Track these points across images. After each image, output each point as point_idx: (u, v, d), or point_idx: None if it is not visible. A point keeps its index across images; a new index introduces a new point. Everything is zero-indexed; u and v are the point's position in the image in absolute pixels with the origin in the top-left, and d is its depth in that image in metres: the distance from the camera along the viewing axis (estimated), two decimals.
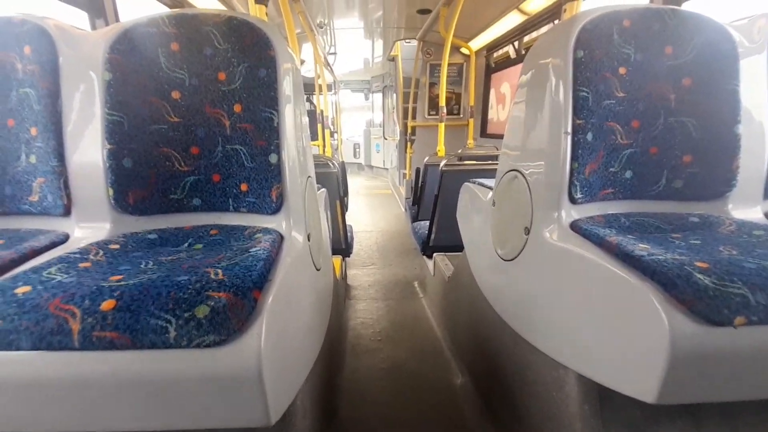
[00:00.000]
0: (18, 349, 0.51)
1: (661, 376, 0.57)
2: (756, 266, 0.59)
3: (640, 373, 0.61)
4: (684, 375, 0.58)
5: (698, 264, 0.60)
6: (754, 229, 0.77)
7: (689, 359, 0.57)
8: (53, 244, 0.83)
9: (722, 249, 0.67)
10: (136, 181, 0.88)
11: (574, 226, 0.84)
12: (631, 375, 0.63)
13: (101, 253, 0.73)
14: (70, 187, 0.90)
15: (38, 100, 0.88)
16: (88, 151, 0.89)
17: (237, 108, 0.89)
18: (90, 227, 0.89)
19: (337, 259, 2.15)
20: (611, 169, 0.90)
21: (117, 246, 0.77)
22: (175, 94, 0.89)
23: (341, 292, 2.06)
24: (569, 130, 0.86)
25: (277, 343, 0.59)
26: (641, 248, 0.67)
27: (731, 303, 0.56)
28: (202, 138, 0.90)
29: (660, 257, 0.63)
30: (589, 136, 0.87)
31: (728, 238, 0.75)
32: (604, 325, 0.69)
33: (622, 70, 0.89)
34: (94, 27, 1.46)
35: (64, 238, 0.87)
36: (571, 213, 0.88)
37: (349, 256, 2.46)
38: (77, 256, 0.70)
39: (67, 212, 0.90)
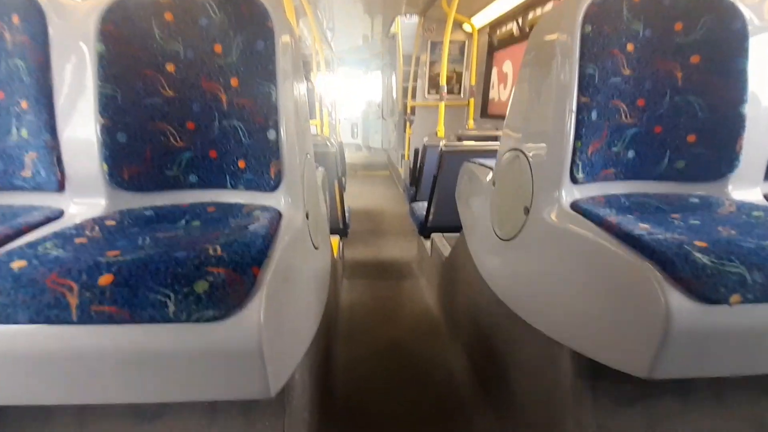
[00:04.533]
0: (15, 323, 0.51)
1: (654, 352, 0.58)
2: (754, 246, 0.60)
3: (634, 349, 0.62)
4: (678, 351, 0.59)
5: (697, 243, 0.60)
6: (753, 210, 0.77)
7: (684, 336, 0.57)
8: (48, 220, 0.82)
9: (721, 229, 0.68)
10: (131, 157, 0.87)
11: (575, 206, 0.84)
12: (625, 351, 0.65)
13: (97, 228, 0.72)
14: (64, 162, 0.88)
15: (28, 72, 0.85)
16: (81, 125, 0.86)
17: (234, 82, 0.87)
18: (85, 203, 0.88)
19: (334, 239, 2.15)
20: (614, 149, 0.89)
21: (113, 222, 0.76)
22: (170, 67, 0.86)
23: (339, 271, 2.08)
24: (574, 108, 0.84)
25: (276, 319, 0.59)
26: (641, 228, 0.67)
27: (728, 281, 0.56)
28: (198, 113, 0.88)
29: (659, 237, 0.63)
30: (594, 115, 0.85)
31: (728, 218, 0.75)
32: (602, 303, 0.70)
33: (630, 47, 0.86)
34: None
35: (59, 214, 0.86)
36: (572, 193, 0.87)
37: (346, 236, 2.47)
38: (73, 231, 0.69)
39: (60, 188, 0.89)
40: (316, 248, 0.99)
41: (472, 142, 2.15)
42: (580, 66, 0.84)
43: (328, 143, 2.08)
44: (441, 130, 3.34)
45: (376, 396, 1.33)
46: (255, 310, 0.54)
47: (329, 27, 4.84)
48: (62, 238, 0.66)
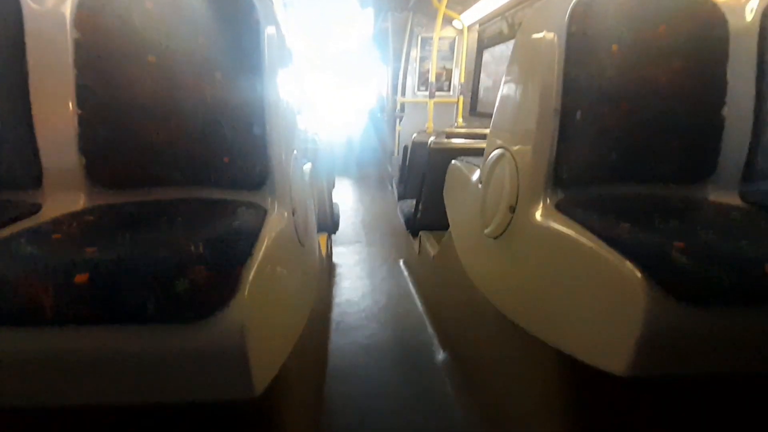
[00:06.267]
0: None
1: (633, 350, 0.59)
2: (731, 248, 0.61)
3: (614, 347, 0.63)
4: (656, 350, 0.60)
5: (676, 244, 0.61)
6: (731, 212, 0.79)
7: (662, 335, 0.59)
8: (23, 216, 0.79)
9: (700, 231, 0.69)
10: (111, 151, 0.84)
11: (559, 206, 0.84)
12: (606, 349, 0.66)
13: (74, 225, 0.70)
14: (41, 156, 0.85)
15: (1, 62, 0.82)
16: (59, 118, 0.83)
17: (218, 75, 0.85)
18: (62, 198, 0.85)
19: (322, 237, 2.14)
20: (598, 151, 0.90)
21: (91, 218, 0.74)
22: (151, 58, 0.84)
23: (326, 269, 2.07)
24: (558, 109, 0.85)
25: (260, 317, 0.58)
26: (622, 228, 0.68)
27: (706, 283, 0.57)
28: (180, 107, 0.86)
29: (640, 237, 0.64)
30: (578, 116, 0.86)
31: (707, 220, 0.76)
32: (584, 302, 0.71)
33: (614, 49, 0.87)
34: None
35: (36, 209, 0.83)
36: (557, 193, 0.88)
37: (334, 234, 2.46)
38: (49, 227, 0.67)
39: (37, 183, 0.86)
40: (302, 246, 0.98)
41: (461, 140, 2.15)
42: (566, 67, 0.85)
43: (316, 139, 2.06)
44: (430, 128, 3.35)
45: (364, 393, 1.33)
46: (237, 310, 0.53)
47: (318, 21, 4.79)
48: (37, 234, 0.64)
